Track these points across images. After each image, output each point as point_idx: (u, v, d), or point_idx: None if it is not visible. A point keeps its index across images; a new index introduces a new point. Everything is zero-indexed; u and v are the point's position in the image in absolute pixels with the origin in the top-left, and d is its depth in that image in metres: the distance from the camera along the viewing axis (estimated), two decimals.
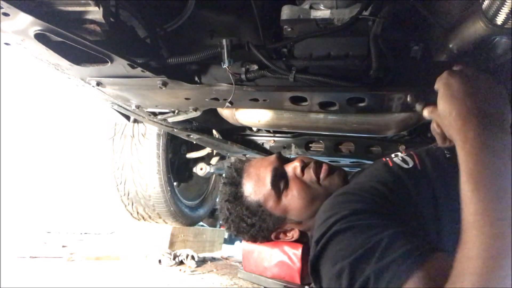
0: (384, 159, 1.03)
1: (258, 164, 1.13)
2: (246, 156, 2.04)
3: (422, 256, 0.64)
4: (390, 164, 0.98)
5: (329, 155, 1.90)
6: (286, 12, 0.98)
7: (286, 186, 1.06)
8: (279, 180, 1.06)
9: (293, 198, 1.05)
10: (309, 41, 1.03)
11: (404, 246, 0.67)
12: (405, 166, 0.95)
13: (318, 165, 1.08)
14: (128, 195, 2.28)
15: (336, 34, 0.99)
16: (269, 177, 1.06)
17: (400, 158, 0.99)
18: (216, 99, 1.20)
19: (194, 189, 2.85)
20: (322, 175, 1.05)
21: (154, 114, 1.53)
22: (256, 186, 1.08)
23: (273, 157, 1.13)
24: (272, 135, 1.96)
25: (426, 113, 0.82)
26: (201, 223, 3.23)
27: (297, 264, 1.09)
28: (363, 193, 0.88)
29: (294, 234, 1.09)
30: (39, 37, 0.83)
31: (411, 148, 1.76)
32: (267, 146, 1.99)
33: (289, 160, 1.14)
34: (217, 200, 1.20)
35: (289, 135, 1.91)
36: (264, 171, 1.08)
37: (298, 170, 1.06)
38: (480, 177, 0.61)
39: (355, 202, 0.84)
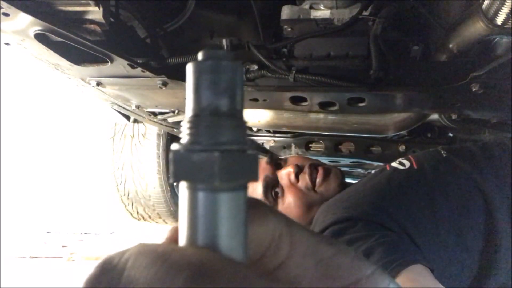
0: (386, 166, 1.03)
1: None
2: None
3: (394, 271, 0.63)
4: (388, 168, 0.99)
5: (329, 155, 1.90)
6: (286, 12, 0.98)
7: (282, 193, 1.04)
8: (272, 189, 1.04)
9: (289, 207, 1.03)
10: (309, 41, 1.03)
11: (378, 261, 0.66)
12: (402, 167, 0.96)
13: (313, 168, 1.05)
14: (128, 195, 2.29)
15: (336, 34, 0.99)
16: (261, 187, 1.03)
17: (398, 162, 0.99)
18: None
19: None
20: (318, 180, 1.03)
21: (154, 114, 1.53)
22: None
23: (264, 164, 1.09)
24: (272, 135, 1.96)
25: None
26: None
27: None
28: (351, 200, 0.88)
29: None
30: (39, 37, 0.83)
31: (412, 148, 1.77)
32: (267, 146, 1.99)
33: (282, 164, 1.11)
34: None
35: (289, 135, 1.91)
36: None
37: (293, 177, 1.03)
38: None
39: (341, 209, 0.85)
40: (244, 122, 0.22)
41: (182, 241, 0.21)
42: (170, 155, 0.21)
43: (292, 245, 0.25)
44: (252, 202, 0.23)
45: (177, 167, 0.20)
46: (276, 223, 0.24)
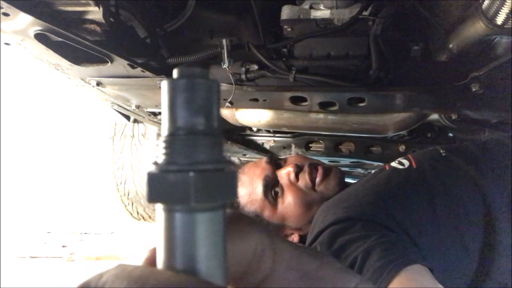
0: (385, 166, 1.04)
1: (250, 171, 1.10)
2: (245, 156, 2.04)
3: (393, 271, 0.63)
4: (387, 168, 0.99)
5: (329, 155, 1.90)
6: (286, 12, 0.98)
7: (282, 193, 1.04)
8: (272, 189, 1.04)
9: (289, 206, 1.03)
10: (309, 41, 1.03)
11: (377, 261, 0.66)
12: (401, 167, 0.96)
13: (313, 167, 1.05)
14: (128, 195, 2.29)
15: (336, 34, 0.99)
16: (261, 187, 1.04)
17: (397, 162, 0.99)
18: None
19: None
20: (318, 179, 1.03)
21: (154, 114, 1.53)
22: (250, 197, 1.06)
23: (264, 163, 1.09)
24: (272, 135, 1.96)
25: None
26: None
27: None
28: (351, 200, 0.88)
29: (294, 238, 1.09)
30: (39, 37, 0.83)
31: (412, 148, 1.77)
32: (267, 146, 1.99)
33: (282, 164, 1.11)
34: None
35: (289, 135, 1.91)
36: (257, 179, 1.06)
37: (292, 177, 1.03)
38: None
39: (341, 209, 0.85)
40: (221, 140, 0.21)
41: (160, 263, 0.21)
42: (145, 176, 0.20)
43: (275, 259, 0.24)
44: (234, 217, 0.23)
45: (152, 188, 0.20)
46: (258, 237, 0.24)
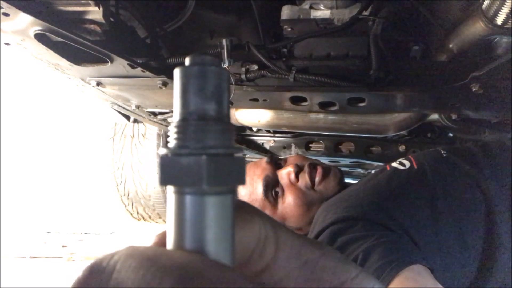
0: (386, 166, 1.04)
1: (251, 171, 1.10)
2: (245, 156, 2.04)
3: (393, 271, 0.64)
4: (388, 168, 0.99)
5: (329, 155, 1.90)
6: (286, 12, 0.98)
7: (282, 193, 1.05)
8: (272, 189, 1.04)
9: (289, 206, 1.03)
10: (309, 41, 1.03)
11: (378, 261, 0.66)
12: (402, 167, 0.96)
13: (313, 167, 1.06)
14: (128, 195, 2.29)
15: (336, 34, 0.99)
16: (261, 187, 1.04)
17: (398, 162, 1.00)
18: None
19: None
20: (317, 179, 1.03)
21: (154, 114, 1.53)
22: (251, 197, 1.06)
23: (264, 163, 1.10)
24: (272, 135, 1.96)
25: None
26: None
27: None
28: (351, 200, 0.88)
29: None
30: (39, 37, 0.83)
31: (412, 148, 1.77)
32: (267, 146, 1.99)
33: (282, 164, 1.11)
34: None
35: (289, 135, 1.91)
36: (257, 180, 1.06)
37: (293, 177, 1.04)
38: None
39: (341, 209, 0.85)
40: (231, 126, 0.22)
41: (170, 245, 0.21)
42: (158, 160, 0.21)
43: (277, 247, 0.25)
44: (238, 205, 0.23)
45: (165, 171, 0.20)
46: (262, 226, 0.24)
